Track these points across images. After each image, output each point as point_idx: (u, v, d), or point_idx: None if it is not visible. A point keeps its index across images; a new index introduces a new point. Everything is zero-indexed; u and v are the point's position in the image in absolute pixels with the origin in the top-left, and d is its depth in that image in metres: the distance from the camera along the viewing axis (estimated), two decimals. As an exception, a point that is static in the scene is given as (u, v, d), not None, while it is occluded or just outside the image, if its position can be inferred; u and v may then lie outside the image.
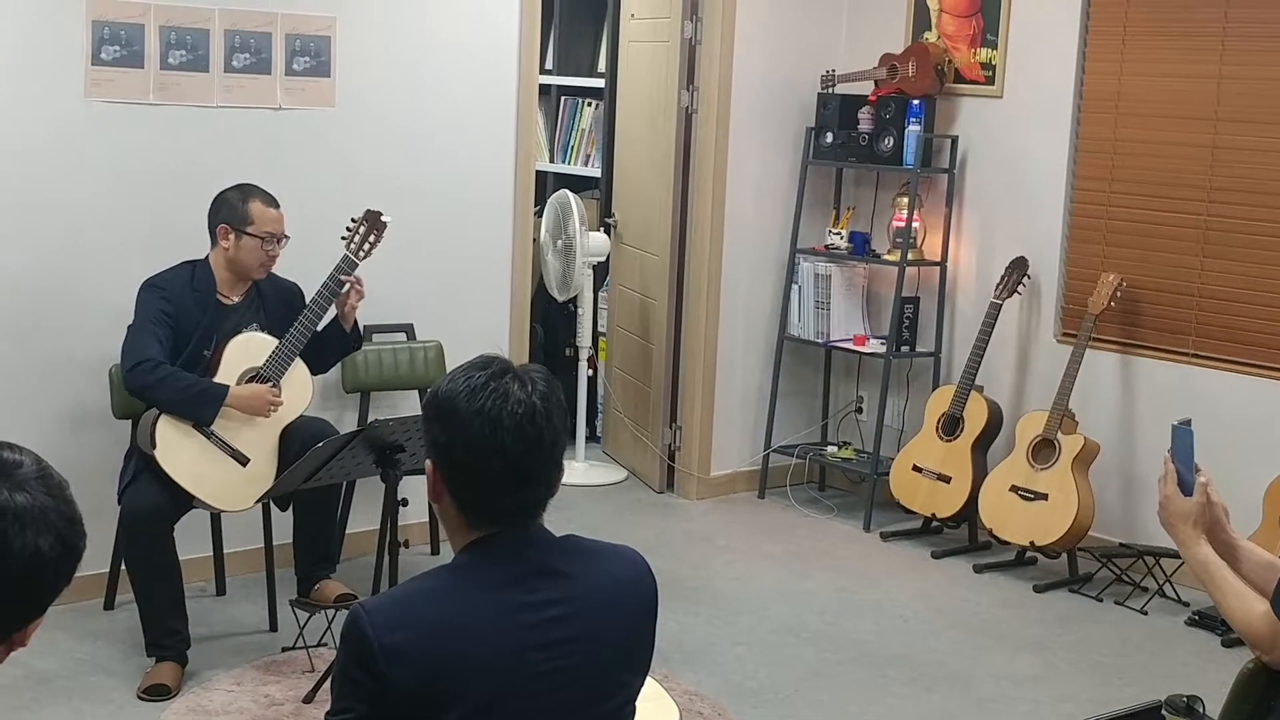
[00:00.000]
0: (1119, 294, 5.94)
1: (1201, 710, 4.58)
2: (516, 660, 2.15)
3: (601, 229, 7.43)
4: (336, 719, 2.13)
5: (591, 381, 7.50)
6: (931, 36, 6.64)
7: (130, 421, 4.93)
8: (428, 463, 2.23)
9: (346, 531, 5.58)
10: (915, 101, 6.48)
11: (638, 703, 2.35)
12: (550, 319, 7.74)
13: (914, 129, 6.47)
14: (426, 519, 5.87)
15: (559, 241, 7.12)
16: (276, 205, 4.89)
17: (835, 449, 6.94)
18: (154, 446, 4.64)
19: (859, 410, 7.08)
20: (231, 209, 4.84)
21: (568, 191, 7.16)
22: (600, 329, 7.66)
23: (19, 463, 1.70)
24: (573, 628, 2.20)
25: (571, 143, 8.13)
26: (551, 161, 8.12)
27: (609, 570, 2.30)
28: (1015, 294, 6.23)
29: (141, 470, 4.70)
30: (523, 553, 2.22)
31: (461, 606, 2.16)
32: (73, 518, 1.71)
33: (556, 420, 2.23)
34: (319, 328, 4.97)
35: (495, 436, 2.16)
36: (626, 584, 2.31)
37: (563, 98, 8.17)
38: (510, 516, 2.22)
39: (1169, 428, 3.03)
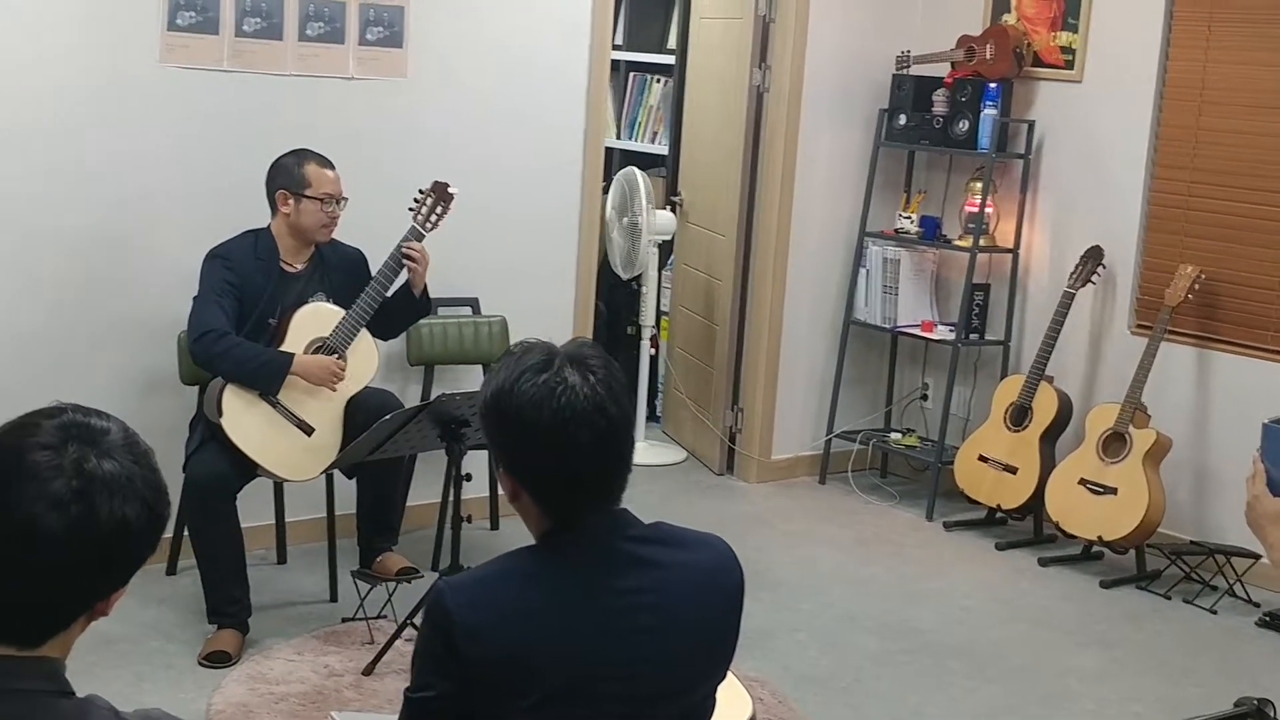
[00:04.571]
0: (1197, 286, 5.83)
1: (1273, 714, 4.50)
2: (599, 647, 2.10)
3: (667, 207, 7.36)
4: (415, 695, 2.09)
5: (653, 361, 7.45)
6: (1010, 19, 6.54)
7: (197, 388, 4.92)
8: (502, 469, 2.18)
9: (406, 504, 5.55)
10: (992, 85, 6.38)
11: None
12: (613, 297, 7.69)
13: (990, 112, 6.37)
14: (487, 493, 5.84)
15: (625, 219, 7.06)
16: (332, 166, 4.87)
17: (899, 436, 6.86)
18: (220, 415, 4.63)
19: (924, 397, 6.99)
20: (288, 174, 4.82)
21: (635, 169, 7.10)
22: (663, 308, 7.60)
23: (106, 430, 1.67)
24: (658, 617, 2.15)
25: (639, 119, 8.07)
26: (618, 138, 8.06)
27: (697, 560, 2.24)
28: (1089, 283, 6.12)
29: (208, 438, 4.69)
30: (609, 539, 2.17)
31: (546, 590, 2.11)
32: (158, 486, 1.69)
33: (623, 401, 2.18)
34: (388, 294, 4.94)
35: (570, 439, 2.11)
36: (714, 574, 2.26)
37: (631, 74, 8.10)
38: (594, 505, 2.18)
39: (1243, 424, 2.96)
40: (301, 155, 4.85)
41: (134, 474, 1.65)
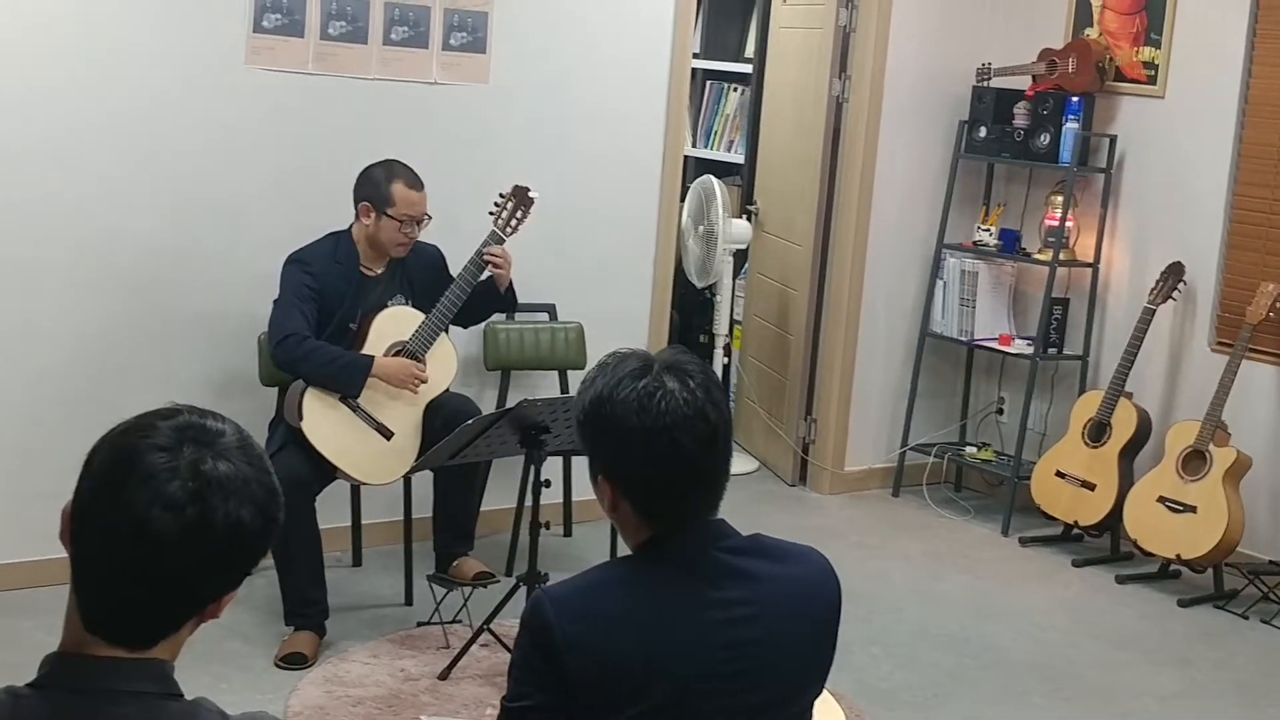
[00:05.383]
0: (1279, 304, 5.76)
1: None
2: (701, 659, 2.09)
3: (743, 216, 7.35)
4: (513, 705, 2.09)
5: (725, 369, 7.42)
6: (1093, 33, 6.48)
7: (276, 390, 4.94)
8: (600, 478, 2.17)
9: (480, 509, 5.56)
10: (1074, 98, 6.32)
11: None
12: (686, 305, 7.68)
13: (1072, 126, 6.31)
14: (561, 500, 5.83)
15: (700, 227, 7.05)
16: (420, 186, 4.84)
17: (974, 450, 6.81)
18: (301, 418, 4.65)
19: (1000, 411, 6.94)
20: (375, 187, 4.81)
21: (711, 177, 7.08)
22: (736, 316, 7.58)
23: (221, 431, 1.66)
24: (758, 629, 2.14)
25: (715, 128, 8.06)
26: (694, 146, 8.05)
27: (796, 573, 2.23)
28: (1170, 300, 6.05)
29: (287, 441, 4.71)
30: (708, 550, 2.16)
31: (646, 600, 2.11)
32: (272, 488, 1.68)
33: (723, 407, 2.18)
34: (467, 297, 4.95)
35: (676, 445, 2.11)
36: (813, 587, 2.24)
37: (708, 82, 8.10)
38: (695, 513, 2.17)
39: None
40: (392, 170, 4.83)
41: (249, 476, 1.64)
